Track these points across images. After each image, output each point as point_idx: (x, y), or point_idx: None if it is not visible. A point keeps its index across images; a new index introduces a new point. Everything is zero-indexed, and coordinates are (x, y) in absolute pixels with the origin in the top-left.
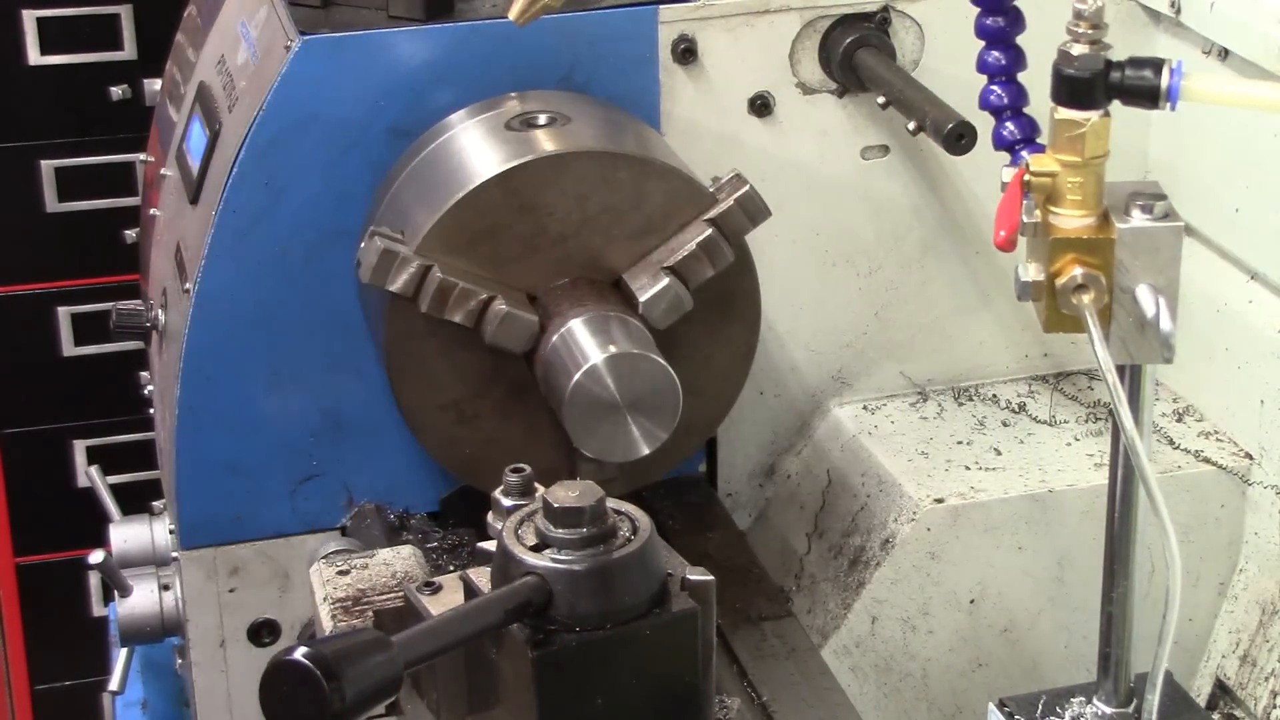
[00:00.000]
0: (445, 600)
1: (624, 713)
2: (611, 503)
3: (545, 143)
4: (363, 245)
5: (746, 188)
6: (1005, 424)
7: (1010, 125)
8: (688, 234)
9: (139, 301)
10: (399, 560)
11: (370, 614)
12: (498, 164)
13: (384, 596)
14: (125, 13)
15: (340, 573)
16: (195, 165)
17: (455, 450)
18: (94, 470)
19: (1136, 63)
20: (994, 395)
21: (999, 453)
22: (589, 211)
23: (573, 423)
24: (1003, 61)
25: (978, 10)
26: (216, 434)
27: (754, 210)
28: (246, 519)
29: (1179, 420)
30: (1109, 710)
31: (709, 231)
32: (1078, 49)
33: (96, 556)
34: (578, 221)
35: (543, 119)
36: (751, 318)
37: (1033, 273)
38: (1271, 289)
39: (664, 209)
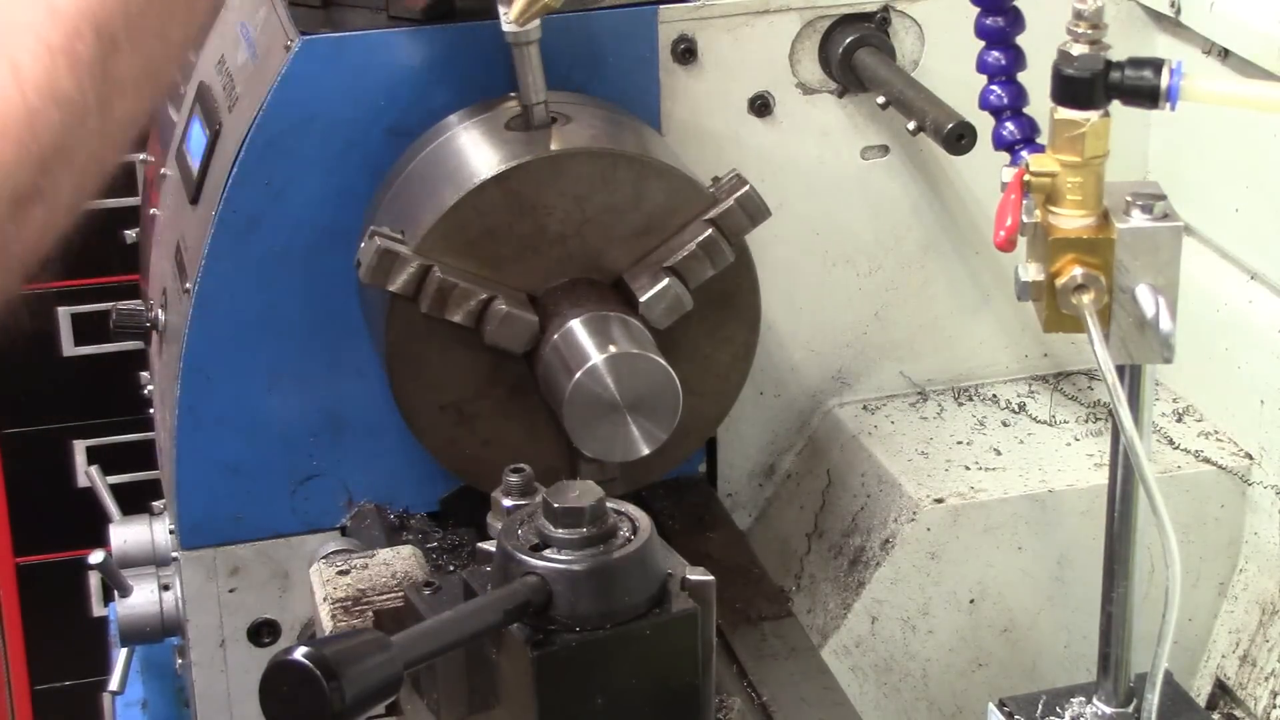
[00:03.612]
0: (445, 600)
1: (624, 713)
2: (611, 503)
3: (544, 143)
4: (362, 245)
5: (746, 188)
6: (1005, 424)
7: (1010, 125)
8: (688, 234)
9: (139, 301)
10: (399, 560)
11: (370, 614)
12: (497, 164)
13: (384, 596)
14: None
15: (340, 573)
16: (195, 165)
17: (455, 450)
18: (94, 470)
19: (1136, 63)
20: (994, 395)
21: (999, 453)
22: (589, 211)
23: (573, 423)
24: (1003, 61)
25: (978, 10)
26: (216, 434)
27: (754, 210)
28: (246, 519)
29: (1179, 420)
30: (1109, 710)
31: (709, 231)
32: (1078, 49)
33: (96, 556)
34: (577, 221)
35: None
36: (751, 318)
37: (1033, 273)
38: (1271, 289)
39: (664, 209)
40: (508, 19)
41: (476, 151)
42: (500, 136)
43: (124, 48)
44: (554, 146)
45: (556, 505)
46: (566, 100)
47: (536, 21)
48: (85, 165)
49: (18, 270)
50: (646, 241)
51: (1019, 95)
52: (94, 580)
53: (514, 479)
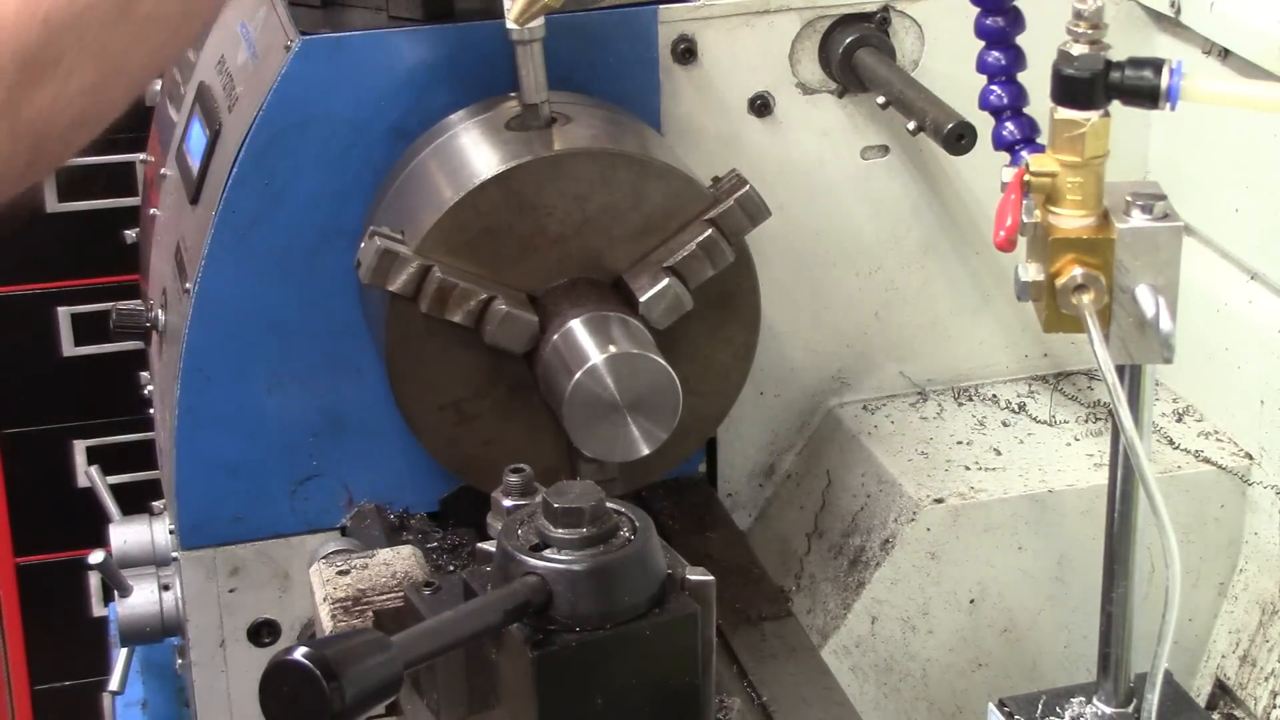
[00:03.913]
0: (445, 600)
1: (624, 713)
2: (611, 503)
3: (545, 143)
4: (362, 245)
5: (746, 188)
6: (1005, 424)
7: (1010, 125)
8: (688, 234)
9: (139, 301)
10: (399, 560)
11: (370, 614)
12: (497, 164)
13: (384, 596)
14: None
15: (340, 573)
16: (195, 165)
17: (455, 450)
18: (94, 470)
19: (1136, 63)
20: (994, 395)
21: (999, 453)
22: (588, 211)
23: (573, 423)
24: (1003, 61)
25: (978, 10)
26: (216, 434)
27: (754, 210)
28: (246, 519)
29: (1179, 420)
30: (1109, 710)
31: (709, 231)
32: (1078, 49)
33: (96, 556)
34: (577, 221)
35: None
36: (751, 318)
37: (1033, 273)
38: (1271, 289)
39: (664, 209)
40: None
41: (477, 151)
42: (500, 136)
43: None
44: (554, 147)
45: (556, 505)
46: (566, 100)
47: (540, 20)
48: (100, 48)
49: (27, 138)
50: (646, 241)
51: (1019, 95)
52: (94, 580)
53: (514, 479)
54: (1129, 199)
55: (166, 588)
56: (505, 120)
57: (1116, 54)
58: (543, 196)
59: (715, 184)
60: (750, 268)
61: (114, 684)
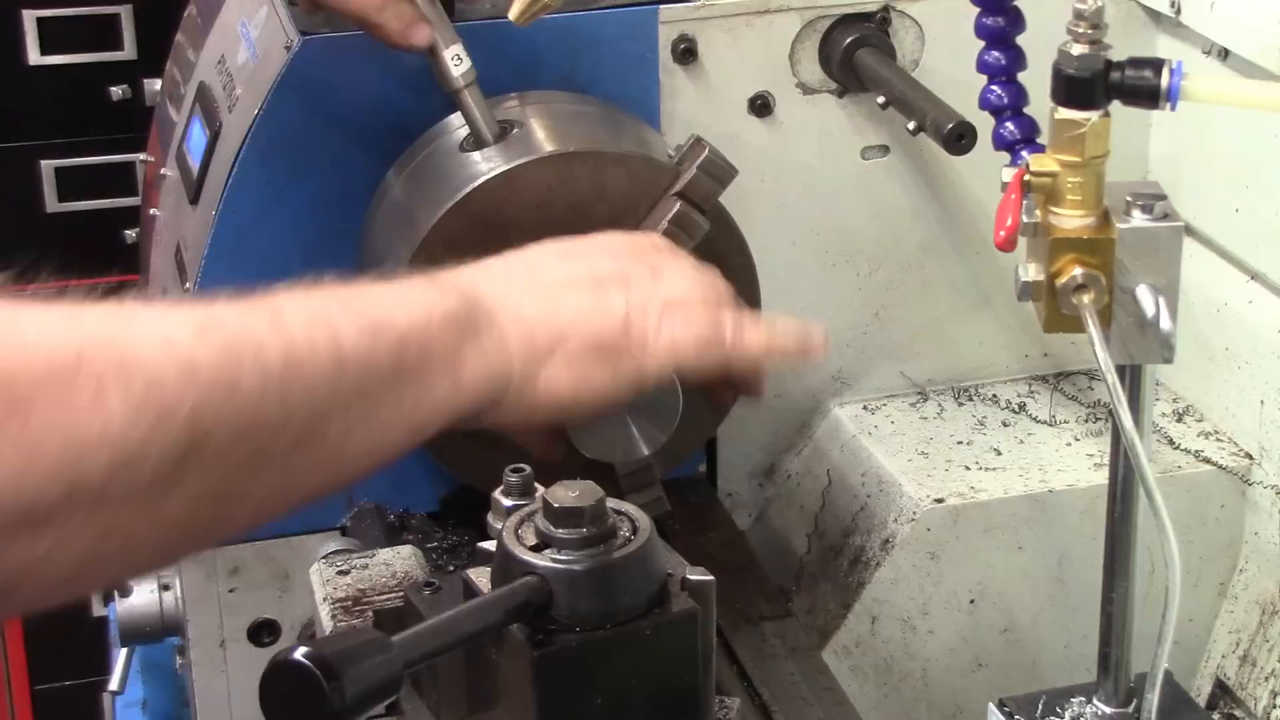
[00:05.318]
0: (445, 600)
1: (624, 713)
2: (611, 503)
3: (494, 161)
4: None
5: (706, 151)
6: (1005, 424)
7: (1010, 125)
8: (658, 212)
9: None
10: (399, 560)
11: (370, 614)
12: (450, 195)
13: (384, 596)
14: (125, 13)
15: (340, 573)
16: (195, 165)
17: (497, 474)
18: None
19: (1136, 63)
20: (994, 395)
21: (999, 453)
22: (555, 215)
23: (573, 423)
24: (1003, 61)
25: (978, 10)
26: None
27: (719, 172)
28: None
29: (1179, 420)
30: (1109, 710)
31: (677, 206)
32: (1078, 49)
33: None
34: (547, 228)
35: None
36: (748, 275)
37: (1033, 273)
38: (1271, 289)
39: (629, 194)
40: (457, 58)
41: (432, 183)
42: (455, 160)
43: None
44: (503, 163)
45: (556, 505)
46: (520, 102)
47: (468, 65)
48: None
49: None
50: (623, 228)
51: (1019, 95)
52: None
53: (514, 479)
54: (1129, 199)
55: (166, 587)
56: (459, 142)
57: (1116, 54)
58: (505, 213)
59: (676, 152)
60: (732, 227)
61: (114, 684)
